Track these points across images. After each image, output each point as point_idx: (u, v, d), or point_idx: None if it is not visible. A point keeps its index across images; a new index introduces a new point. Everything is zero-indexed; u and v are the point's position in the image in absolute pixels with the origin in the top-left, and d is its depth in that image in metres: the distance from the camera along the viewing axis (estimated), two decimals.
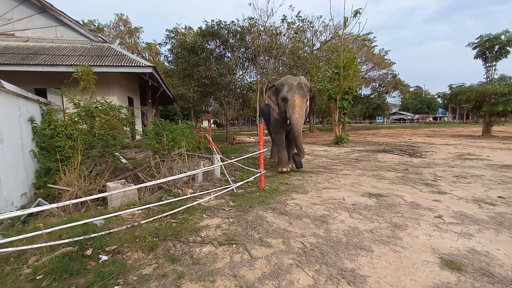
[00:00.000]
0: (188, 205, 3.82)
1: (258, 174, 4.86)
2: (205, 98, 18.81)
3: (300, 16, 18.63)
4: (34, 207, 4.21)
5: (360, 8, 12.50)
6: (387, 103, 49.67)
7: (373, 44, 28.12)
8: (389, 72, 30.38)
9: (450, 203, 3.82)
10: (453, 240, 2.68)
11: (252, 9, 39.31)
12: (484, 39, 15.67)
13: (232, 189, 4.69)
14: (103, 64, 7.20)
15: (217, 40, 16.16)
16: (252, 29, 16.47)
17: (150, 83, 9.43)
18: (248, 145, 14.23)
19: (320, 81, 15.05)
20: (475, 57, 16.60)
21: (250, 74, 19.11)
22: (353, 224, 3.17)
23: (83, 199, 3.06)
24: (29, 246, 2.71)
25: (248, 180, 5.05)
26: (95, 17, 51.04)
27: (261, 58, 16.89)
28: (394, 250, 2.51)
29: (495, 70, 16.01)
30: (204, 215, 3.59)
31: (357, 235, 2.85)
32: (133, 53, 19.90)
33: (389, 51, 29.72)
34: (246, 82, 18.59)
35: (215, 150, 6.46)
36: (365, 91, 33.69)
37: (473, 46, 16.41)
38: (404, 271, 2.17)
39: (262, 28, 16.77)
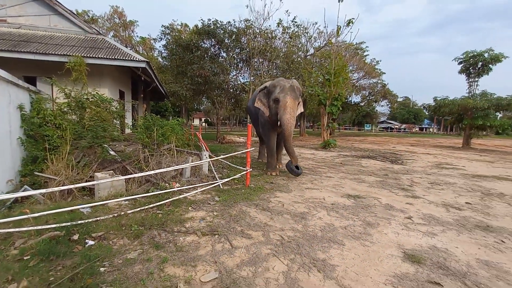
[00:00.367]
0: (175, 198, 3.95)
1: (244, 172, 5.03)
2: (198, 96, 18.85)
3: (296, 22, 19.00)
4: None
5: (353, 18, 12.93)
6: (376, 112, 50.84)
7: (365, 53, 28.89)
8: (379, 81, 31.20)
9: (421, 206, 4.11)
10: (417, 238, 2.93)
11: (249, 11, 39.57)
12: (469, 55, 16.43)
13: (219, 185, 4.84)
14: (96, 56, 7.22)
15: (213, 39, 16.27)
16: (248, 31, 16.66)
17: (143, 78, 9.46)
18: (237, 145, 14.39)
19: (311, 86, 15.40)
20: (460, 72, 17.35)
21: (243, 75, 19.29)
22: (330, 221, 3.38)
23: (70, 186, 3.16)
24: (16, 229, 2.79)
25: (234, 177, 5.21)
26: (89, 7, 50.19)
27: (255, 60, 17.10)
28: (364, 245, 2.73)
29: (477, 85, 16.79)
30: (189, 208, 3.73)
31: (332, 231, 3.06)
32: (126, 47, 19.73)
33: (380, 61, 30.59)
34: (239, 82, 18.75)
35: (204, 147, 6.58)
36: (355, 98, 34.47)
37: (459, 61, 17.17)
38: (369, 262, 2.38)
39: (258, 31, 16.99)
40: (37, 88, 6.21)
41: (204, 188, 4.59)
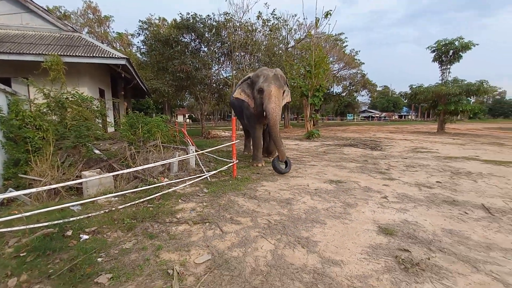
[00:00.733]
0: (164, 192, 4.06)
1: (231, 164, 5.19)
2: (180, 92, 18.66)
3: (275, 14, 19.05)
4: (6, 197, 4.19)
5: (331, 10, 13.18)
6: (357, 101, 52.05)
7: (344, 44, 29.43)
8: (359, 71, 31.96)
9: (396, 187, 4.44)
10: (391, 214, 3.23)
11: (227, 4, 39.17)
12: (441, 44, 17.20)
13: (207, 177, 4.98)
14: (73, 54, 7.05)
15: (193, 34, 16.08)
16: (228, 24, 16.59)
17: (123, 75, 9.31)
18: (223, 139, 14.48)
19: (293, 78, 15.63)
20: (433, 60, 18.14)
21: (225, 69, 19.25)
22: (313, 204, 3.63)
23: (58, 185, 3.22)
24: (8, 229, 2.83)
25: (221, 169, 5.37)
26: (61, 3, 47.67)
27: (237, 54, 17.10)
28: (343, 223, 2.99)
29: (449, 73, 17.64)
30: (179, 200, 3.86)
31: (315, 213, 3.30)
32: (103, 43, 19.07)
33: (359, 51, 31.37)
34: (221, 77, 18.71)
35: (190, 143, 6.65)
36: (337, 89, 35.16)
37: (432, 49, 17.94)
38: (348, 237, 2.64)
39: (238, 24, 16.95)
40: (13, 90, 6.03)
41: (192, 181, 4.72)
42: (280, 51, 21.04)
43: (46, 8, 8.59)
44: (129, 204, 3.58)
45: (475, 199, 3.78)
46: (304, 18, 34.81)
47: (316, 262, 2.20)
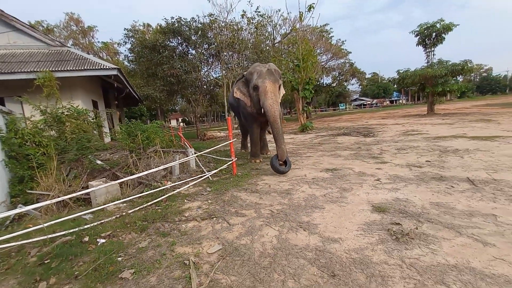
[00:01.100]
0: (169, 194, 4.25)
1: (230, 162, 5.40)
2: (172, 96, 18.72)
3: (259, 12, 19.18)
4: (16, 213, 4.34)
5: (314, 3, 13.35)
6: (348, 90, 52.47)
7: (330, 35, 29.67)
8: (347, 61, 32.27)
9: (388, 169, 4.70)
10: (384, 194, 3.48)
11: (211, 5, 39.11)
12: (423, 27, 17.56)
13: (208, 177, 5.18)
14: (65, 69, 7.15)
15: (179, 37, 16.15)
16: (213, 25, 16.68)
17: (115, 85, 9.41)
18: (219, 139, 14.64)
19: (283, 73, 15.83)
20: (417, 44, 18.52)
21: (215, 70, 19.37)
22: (311, 192, 3.86)
23: (68, 196, 3.39)
24: (28, 241, 3.00)
25: (221, 168, 5.57)
26: (42, 17, 46.94)
27: (225, 54, 17.22)
28: (340, 206, 3.22)
29: (434, 55, 18.03)
30: (185, 201, 4.05)
31: (314, 199, 3.54)
32: (88, 54, 18.98)
33: (345, 41, 31.59)
34: (212, 78, 18.82)
35: (188, 145, 6.84)
36: (327, 80, 35.46)
37: (415, 33, 18.29)
38: (345, 218, 2.87)
39: (223, 24, 17.05)
40: (8, 109, 6.13)
41: (195, 182, 4.91)
42: (267, 48, 21.21)
43: (33, 26, 8.61)
44: (138, 208, 3.77)
45: (461, 174, 4.06)
46: (288, 13, 34.91)
47: (317, 242, 2.43)
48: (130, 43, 18.80)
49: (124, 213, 3.63)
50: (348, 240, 2.40)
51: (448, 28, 16.89)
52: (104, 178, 4.91)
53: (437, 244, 2.19)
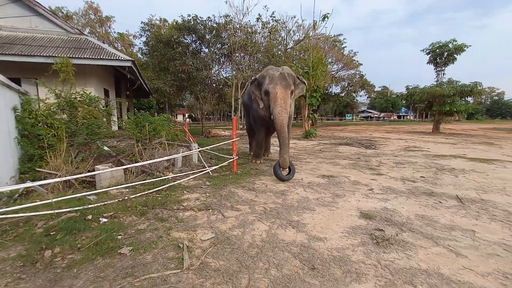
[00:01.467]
0: (170, 184, 4.46)
1: (231, 160, 5.59)
2: (181, 92, 19.04)
3: (274, 17, 19.46)
4: (25, 188, 4.58)
5: (328, 13, 13.58)
6: (356, 102, 52.48)
7: (343, 46, 29.85)
8: (357, 72, 32.37)
9: (382, 181, 4.85)
10: (374, 203, 3.63)
11: (228, 6, 39.64)
12: (435, 46, 17.63)
13: (208, 172, 5.38)
14: (82, 56, 7.44)
15: (193, 35, 16.49)
16: (228, 26, 16.99)
17: (128, 76, 9.70)
18: (223, 138, 14.86)
19: None
20: (428, 62, 18.59)
21: (225, 70, 19.68)
22: (305, 195, 4.03)
23: (75, 176, 3.63)
24: (35, 213, 3.23)
25: (222, 165, 5.77)
26: (63, 3, 48.00)
27: (237, 55, 17.51)
28: (330, 209, 3.39)
29: (443, 74, 18.08)
30: (184, 192, 4.25)
31: (306, 202, 3.71)
32: (104, 43, 19.43)
33: (357, 52, 31.68)
34: (222, 77, 19.12)
35: (192, 141, 7.05)
36: (335, 89, 35.57)
37: (427, 51, 18.37)
38: (333, 220, 3.04)
39: (238, 26, 17.35)
40: (24, 89, 6.41)
41: (195, 176, 5.11)
42: (279, 52, 21.46)
43: (52, 11, 8.95)
44: (139, 194, 3.98)
45: (452, 191, 4.19)
46: (302, 20, 35.19)
47: (304, 239, 2.60)
48: (146, 37, 19.19)
49: (126, 198, 3.84)
50: (332, 240, 2.57)
51: (460, 48, 16.94)
52: (110, 164, 5.14)
53: (413, 250, 2.35)
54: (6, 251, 2.47)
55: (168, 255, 2.34)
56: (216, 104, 30.03)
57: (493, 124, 34.35)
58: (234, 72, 17.81)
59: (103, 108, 7.26)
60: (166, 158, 4.61)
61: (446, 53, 17.44)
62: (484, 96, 74.23)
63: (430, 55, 18.18)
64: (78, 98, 6.60)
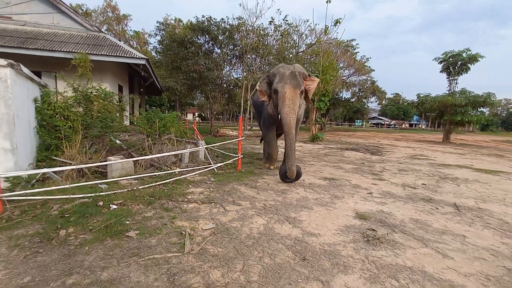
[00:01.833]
0: (177, 178, 4.67)
1: (236, 158, 5.77)
2: (192, 91, 19.42)
3: (287, 20, 19.63)
4: (41, 174, 4.88)
5: (340, 18, 13.67)
6: (366, 108, 51.99)
7: (355, 51, 29.74)
8: (368, 78, 32.16)
9: (383, 186, 4.93)
10: (371, 206, 3.74)
11: (241, 9, 40.03)
12: (448, 55, 17.44)
13: (214, 169, 5.58)
14: (99, 53, 7.79)
15: (207, 36, 16.84)
16: (241, 28, 17.27)
17: (142, 74, 10.04)
18: (231, 137, 15.09)
19: None
20: (441, 71, 18.38)
21: (236, 71, 19.96)
22: (305, 195, 4.17)
23: (89, 165, 3.89)
24: (51, 197, 3.49)
25: (227, 162, 5.96)
26: (83, 1, 49.42)
27: (248, 56, 17.76)
28: (327, 209, 3.52)
29: (456, 83, 17.84)
30: (190, 186, 4.45)
31: (305, 201, 3.85)
32: (120, 41, 20.02)
33: (370, 58, 31.52)
34: (232, 78, 19.40)
35: (200, 138, 7.27)
36: (346, 94, 35.41)
37: (439, 60, 18.17)
38: (329, 219, 3.17)
39: (251, 28, 17.61)
40: (44, 82, 6.78)
41: (201, 171, 5.32)
42: (290, 55, 21.61)
43: (76, 10, 9.38)
44: (147, 186, 4.20)
45: (450, 199, 4.25)
46: (315, 24, 35.25)
47: (298, 234, 2.75)
48: (160, 36, 19.69)
49: (135, 188, 4.07)
50: (325, 236, 2.71)
51: (474, 58, 16.70)
52: (121, 156, 5.40)
53: (402, 250, 2.46)
54: (25, 229, 2.71)
55: (171, 240, 2.53)
56: (226, 104, 30.37)
57: (508, 136, 33.47)
58: (244, 73, 18.07)
59: (117, 103, 7.59)
60: (174, 153, 4.83)
61: (459, 63, 17.21)
62: (500, 108, 72.38)
63: (443, 64, 17.98)
64: (94, 93, 6.93)
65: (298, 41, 24.67)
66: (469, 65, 17.08)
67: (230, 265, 2.13)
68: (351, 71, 30.97)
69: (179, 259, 2.20)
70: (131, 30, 29.53)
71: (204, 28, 16.14)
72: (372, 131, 33.67)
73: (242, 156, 5.84)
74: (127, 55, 8.15)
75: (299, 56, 23.85)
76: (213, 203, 3.63)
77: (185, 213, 3.23)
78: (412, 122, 65.30)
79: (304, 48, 25.23)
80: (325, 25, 14.17)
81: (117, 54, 7.97)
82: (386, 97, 48.52)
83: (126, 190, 3.97)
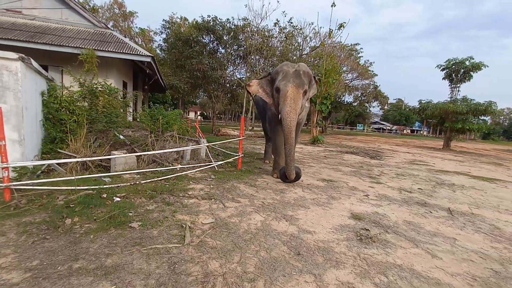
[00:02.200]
0: (178, 174, 4.79)
1: (237, 157, 5.88)
2: (195, 89, 19.55)
3: (292, 22, 19.74)
4: (46, 166, 5.01)
5: (345, 22, 13.77)
6: (368, 112, 52.04)
7: (359, 55, 29.82)
8: (371, 83, 32.24)
9: (380, 189, 5.03)
10: (366, 207, 3.84)
11: (247, 10, 40.21)
12: (451, 63, 17.50)
13: (214, 167, 5.69)
14: (106, 49, 7.92)
15: (212, 35, 16.97)
16: (246, 29, 17.39)
17: (147, 71, 10.17)
18: (232, 137, 15.21)
19: None
20: (443, 78, 18.44)
21: (240, 71, 20.07)
22: (303, 195, 4.27)
23: (92, 158, 4.01)
24: (57, 187, 3.60)
25: (228, 161, 6.07)
26: None
27: (252, 57, 17.87)
28: (324, 209, 3.63)
29: (458, 91, 17.90)
30: (190, 182, 4.56)
31: (302, 200, 3.95)
32: (125, 37, 20.17)
33: (373, 62, 31.60)
34: (236, 78, 19.51)
35: (201, 136, 7.39)
36: (348, 98, 35.49)
37: (441, 68, 18.24)
38: (324, 218, 3.28)
39: (255, 29, 17.74)
40: (51, 76, 6.91)
41: (202, 169, 5.43)
42: (294, 57, 21.72)
43: (81, 4, 9.53)
44: (149, 180, 4.32)
45: (445, 204, 4.35)
46: (320, 27, 35.38)
47: (294, 231, 2.85)
48: (166, 34, 19.84)
49: (137, 182, 4.19)
50: (320, 234, 2.81)
51: (477, 67, 16.76)
52: (125, 151, 5.52)
53: (393, 249, 2.57)
54: (32, 216, 2.83)
55: (172, 232, 2.64)
56: (228, 104, 30.51)
57: (509, 146, 33.46)
58: (248, 74, 18.19)
59: (121, 99, 7.71)
60: (176, 149, 4.94)
61: (462, 70, 17.27)
62: (502, 117, 72.28)
63: (445, 71, 18.04)
64: (100, 88, 7.06)
65: (302, 43, 24.77)
66: (472, 73, 17.13)
67: (228, 257, 2.23)
68: (354, 75, 31.05)
69: (180, 250, 2.31)
70: (136, 27, 29.75)
71: (209, 28, 16.28)
72: (373, 136, 33.75)
73: (242, 155, 5.95)
74: (133, 52, 8.28)
75: (303, 59, 23.94)
76: (213, 199, 3.74)
77: (186, 208, 3.34)
78: (413, 128, 65.27)
79: (308, 50, 25.33)
80: (329, 29, 14.30)
81: (123, 51, 8.10)
82: (389, 102, 48.52)
83: (129, 183, 4.09)
